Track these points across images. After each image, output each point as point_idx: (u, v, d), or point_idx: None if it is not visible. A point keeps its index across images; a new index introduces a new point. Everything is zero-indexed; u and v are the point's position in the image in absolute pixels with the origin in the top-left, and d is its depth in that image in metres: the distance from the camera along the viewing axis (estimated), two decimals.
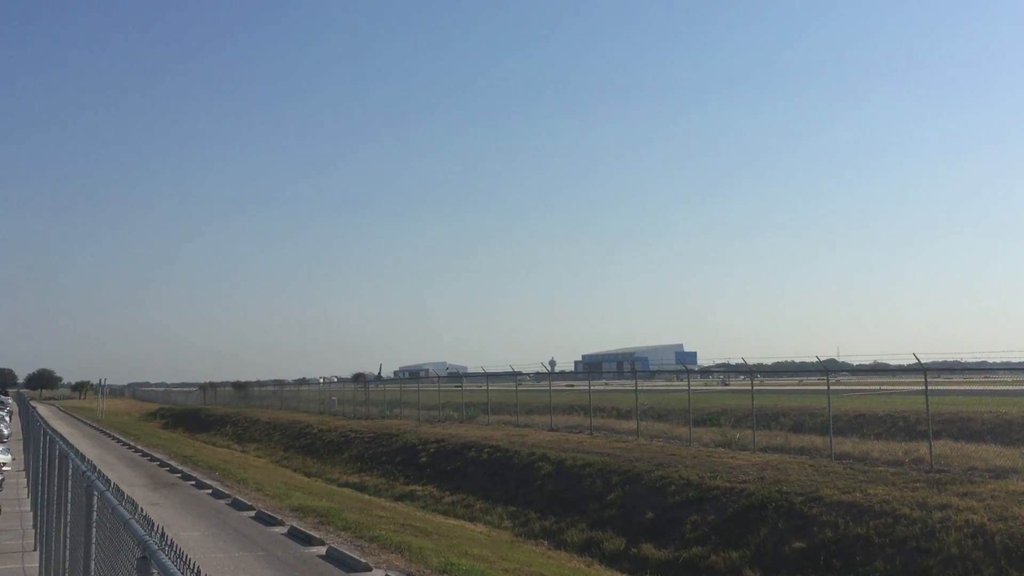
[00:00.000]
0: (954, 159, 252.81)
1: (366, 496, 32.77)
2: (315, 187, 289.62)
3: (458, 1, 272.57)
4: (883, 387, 59.77)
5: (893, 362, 50.17)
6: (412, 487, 34.14)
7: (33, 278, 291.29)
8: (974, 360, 62.45)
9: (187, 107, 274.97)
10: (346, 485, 36.38)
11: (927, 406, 26.01)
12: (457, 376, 78.42)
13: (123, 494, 6.97)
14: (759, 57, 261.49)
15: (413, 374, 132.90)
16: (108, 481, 8.02)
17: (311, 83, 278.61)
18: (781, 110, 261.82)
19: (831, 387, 30.84)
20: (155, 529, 4.88)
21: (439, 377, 66.19)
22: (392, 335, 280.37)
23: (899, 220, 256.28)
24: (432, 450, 38.23)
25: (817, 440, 29.58)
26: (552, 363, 71.54)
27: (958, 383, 59.63)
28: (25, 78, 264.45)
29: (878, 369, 58.44)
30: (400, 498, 32.53)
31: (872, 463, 25.23)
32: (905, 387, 52.71)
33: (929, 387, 26.82)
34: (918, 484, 21.34)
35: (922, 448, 25.44)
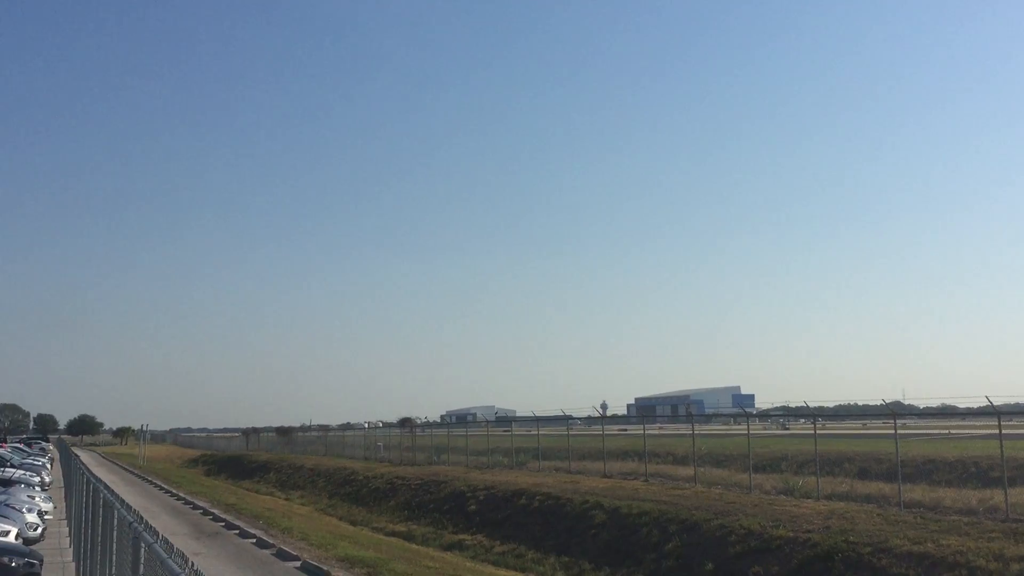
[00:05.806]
0: None
1: (414, 545, 32.03)
2: (360, 231, 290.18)
3: (488, 24, 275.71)
4: (952, 431, 57.58)
5: (962, 404, 48.37)
6: (461, 536, 33.31)
7: (74, 323, 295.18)
8: None
9: (225, 142, 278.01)
10: (393, 534, 35.67)
11: (1001, 451, 24.73)
12: (506, 421, 77.41)
13: (172, 546, 6.82)
14: (801, 77, 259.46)
15: (460, 419, 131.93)
16: (156, 532, 7.84)
17: (350, 118, 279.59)
18: (853, 153, 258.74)
19: (897, 431, 29.51)
20: None
21: (488, 422, 65.39)
22: (440, 379, 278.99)
23: (966, 256, 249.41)
24: (481, 497, 37.40)
25: (884, 487, 28.32)
26: (604, 407, 70.54)
27: None
28: (58, 119, 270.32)
29: (947, 412, 56.39)
30: (449, 547, 31.71)
31: (944, 512, 24.04)
32: (976, 431, 50.59)
33: (1003, 431, 25.43)
34: (994, 534, 20.29)
35: (997, 496, 24.13)
